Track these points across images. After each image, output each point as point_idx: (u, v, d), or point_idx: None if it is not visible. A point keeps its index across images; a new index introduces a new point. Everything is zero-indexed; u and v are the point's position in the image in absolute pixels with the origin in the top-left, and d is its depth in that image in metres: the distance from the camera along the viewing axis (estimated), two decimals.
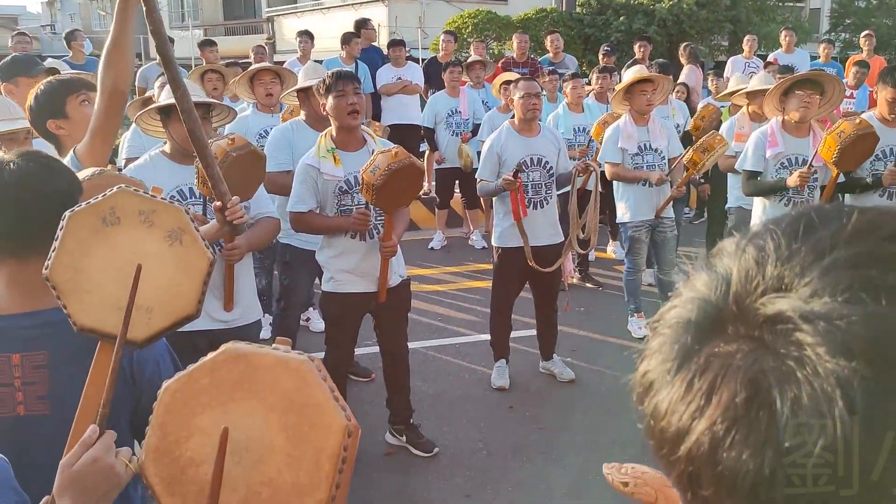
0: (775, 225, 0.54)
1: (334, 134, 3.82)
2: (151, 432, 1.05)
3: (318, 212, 3.79)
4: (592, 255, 7.07)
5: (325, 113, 3.83)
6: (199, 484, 1.01)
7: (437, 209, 8.25)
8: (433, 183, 8.39)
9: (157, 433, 1.04)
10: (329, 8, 22.27)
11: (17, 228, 1.58)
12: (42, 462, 1.33)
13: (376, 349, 4.37)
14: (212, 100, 3.75)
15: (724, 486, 0.49)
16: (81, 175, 1.90)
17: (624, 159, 5.39)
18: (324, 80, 3.81)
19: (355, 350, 4.22)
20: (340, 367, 3.91)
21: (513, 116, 4.85)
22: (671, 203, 5.49)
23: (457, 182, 8.03)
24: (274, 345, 1.11)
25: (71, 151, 2.58)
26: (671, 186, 5.41)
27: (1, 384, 1.54)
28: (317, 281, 4.67)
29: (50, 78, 3.14)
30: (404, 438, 4.12)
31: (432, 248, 7.95)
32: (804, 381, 0.46)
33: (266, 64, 6.23)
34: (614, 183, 5.59)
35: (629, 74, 5.61)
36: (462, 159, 7.60)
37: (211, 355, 1.07)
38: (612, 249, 7.71)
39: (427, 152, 8.28)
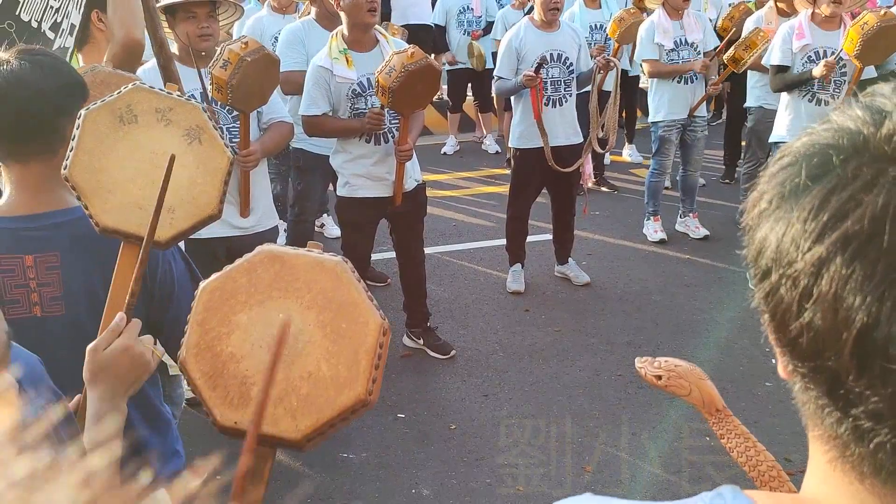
0: None
1: (346, 33, 3.69)
2: (191, 330, 1.05)
3: (330, 115, 3.71)
4: (608, 158, 6.98)
5: (338, 9, 3.69)
6: (240, 378, 1.03)
7: (448, 113, 8.10)
8: (444, 86, 8.20)
9: (197, 330, 1.05)
10: None
11: (14, 129, 1.53)
12: (62, 361, 1.33)
13: (392, 254, 4.37)
14: None
15: (840, 314, 0.46)
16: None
17: (660, 55, 5.22)
18: None
19: (371, 255, 4.22)
20: (357, 271, 3.90)
21: (528, 12, 4.67)
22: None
23: (469, 84, 7.86)
24: (307, 248, 1.10)
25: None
26: (706, 84, 5.27)
27: (16, 285, 1.53)
28: (331, 187, 4.63)
29: None
30: (421, 341, 4.16)
31: (445, 153, 7.85)
32: None
33: None
34: (650, 81, 5.45)
35: None
36: (474, 58, 7.40)
37: (247, 256, 1.07)
38: (628, 153, 7.60)
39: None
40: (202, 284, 1.07)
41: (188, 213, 1.43)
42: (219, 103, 3.25)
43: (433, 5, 7.97)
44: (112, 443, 0.40)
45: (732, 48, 5.15)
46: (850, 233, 0.45)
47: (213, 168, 1.43)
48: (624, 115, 7.25)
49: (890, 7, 5.66)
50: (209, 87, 3.19)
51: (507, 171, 5.86)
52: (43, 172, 1.55)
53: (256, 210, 3.46)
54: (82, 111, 1.40)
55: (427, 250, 4.34)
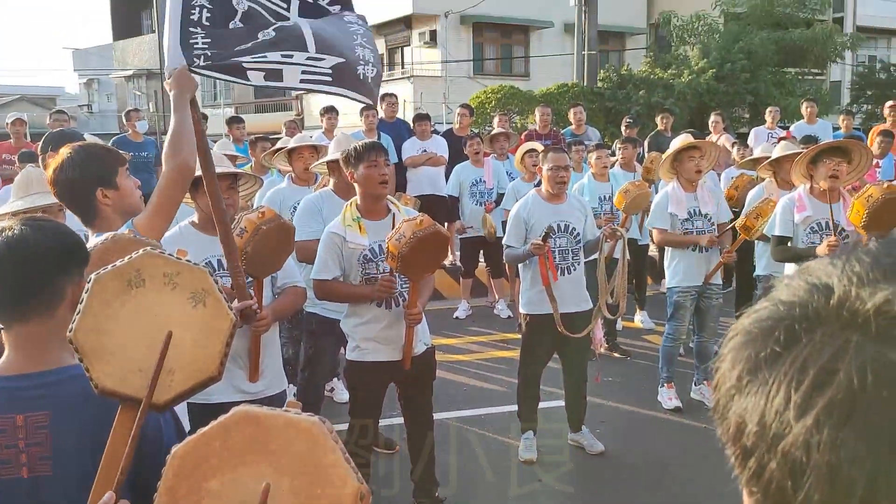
0: (862, 245, 0.54)
1: (360, 202, 3.85)
2: (160, 498, 1.02)
3: (342, 280, 3.79)
4: (620, 324, 6.99)
5: (352, 181, 3.87)
6: None
7: (461, 278, 8.24)
8: (457, 252, 8.40)
9: (166, 498, 1.01)
10: None
11: (14, 289, 1.59)
12: None
13: (401, 420, 4.29)
14: (236, 169, 3.81)
15: (839, 484, 0.45)
16: (96, 240, 1.91)
17: (674, 224, 5.36)
18: (354, 149, 3.85)
19: (380, 421, 4.15)
20: (365, 437, 3.84)
21: (537, 185, 4.86)
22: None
23: (481, 251, 8.05)
24: (285, 407, 1.10)
25: (129, 222, 2.58)
26: (720, 252, 5.37)
27: (6, 445, 1.52)
28: (342, 351, 4.63)
29: (85, 143, 3.03)
30: None
31: (457, 318, 7.90)
32: None
33: (309, 141, 6.12)
34: (666, 249, 5.56)
35: (676, 142, 5.64)
36: (486, 228, 7.63)
37: (222, 417, 1.06)
38: (640, 319, 7.62)
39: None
40: (173, 449, 1.05)
41: (188, 375, 1.44)
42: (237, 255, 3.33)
43: (447, 178, 8.33)
44: None
45: (743, 216, 5.30)
46: (834, 401, 0.45)
47: (216, 330, 1.46)
48: (634, 282, 7.35)
49: (891, 180, 5.87)
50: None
51: (519, 336, 5.86)
52: (41, 332, 1.59)
53: (266, 374, 3.45)
54: (92, 275, 1.46)
55: (436, 416, 4.27)
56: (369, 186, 3.78)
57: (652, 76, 16.36)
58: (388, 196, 3.97)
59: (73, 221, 2.86)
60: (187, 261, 1.51)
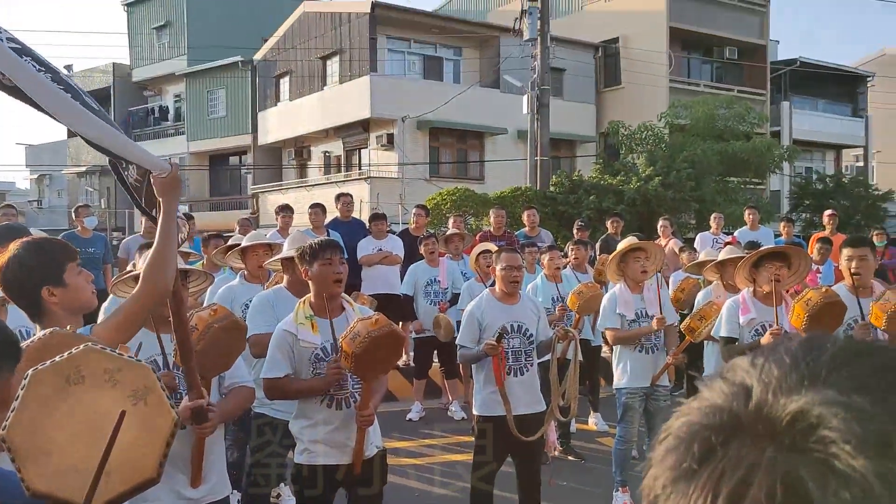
0: (786, 343, 0.55)
1: (313, 300, 3.82)
2: None
3: (292, 377, 3.71)
4: (574, 426, 6.93)
5: (306, 278, 3.85)
6: None
7: (415, 379, 8.13)
8: (411, 353, 8.33)
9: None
10: (313, 186, 23.12)
11: None
12: None
13: None
14: (188, 266, 3.77)
15: None
16: (36, 336, 1.86)
17: (622, 325, 5.42)
18: (310, 246, 3.85)
19: None
20: None
21: (492, 285, 4.90)
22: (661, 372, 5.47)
23: (435, 351, 7.99)
24: None
25: (88, 328, 2.49)
26: (667, 354, 5.42)
27: None
28: (289, 454, 4.48)
29: (34, 238, 2.89)
30: None
31: (410, 420, 7.75)
32: (842, 478, 0.45)
33: (264, 239, 6.08)
34: (614, 349, 5.59)
35: (623, 243, 5.77)
36: (440, 329, 7.60)
37: None
38: (594, 421, 7.57)
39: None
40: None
41: (125, 478, 1.38)
42: (180, 368, 3.25)
43: (402, 277, 8.35)
44: None
45: (688, 318, 5.39)
46: None
47: (157, 430, 1.41)
48: (588, 383, 7.34)
49: (830, 285, 6.05)
50: (170, 353, 3.20)
51: (473, 439, 5.75)
52: None
53: (209, 479, 3.30)
54: (29, 371, 1.41)
55: None
56: (323, 284, 3.76)
57: (602, 182, 16.90)
58: (343, 295, 3.95)
59: (18, 314, 2.77)
60: (129, 357, 1.47)
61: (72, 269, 2.60)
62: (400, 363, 8.73)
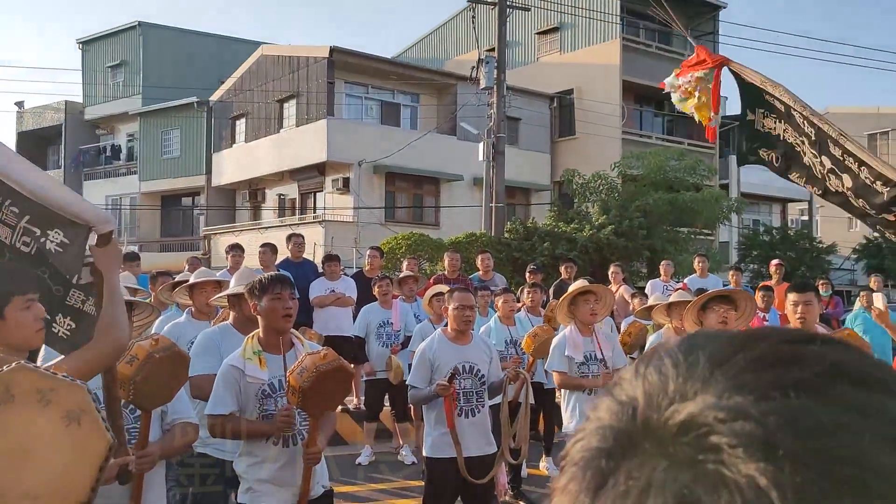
0: (669, 345, 0.53)
1: (262, 336, 3.75)
2: None
3: (238, 415, 3.62)
4: (525, 471, 6.87)
5: (255, 314, 3.78)
6: None
7: (365, 422, 8.00)
8: (362, 396, 8.21)
9: None
10: (266, 228, 22.93)
11: None
12: None
13: None
14: (133, 298, 3.68)
15: None
16: None
17: (570, 367, 5.42)
18: (259, 281, 3.79)
19: None
20: None
21: (445, 326, 4.88)
22: None
23: (386, 394, 7.89)
24: None
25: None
26: None
27: None
28: (232, 496, 4.34)
29: None
30: None
31: (359, 464, 7.60)
32: (732, 487, 0.42)
33: (213, 276, 5.99)
34: (562, 392, 5.58)
35: (573, 286, 5.81)
36: (392, 371, 7.52)
37: None
38: (546, 465, 7.51)
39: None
40: None
41: (54, 502, 1.31)
42: (121, 401, 3.14)
43: (354, 319, 8.27)
44: None
45: (635, 362, 5.44)
46: None
47: (90, 452, 1.35)
48: (541, 427, 7.31)
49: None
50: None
51: (423, 483, 5.66)
52: None
53: None
54: None
55: None
56: (272, 320, 3.70)
57: (556, 229, 17.12)
58: (293, 330, 3.89)
59: None
60: (63, 376, 1.41)
61: (17, 303, 2.43)
62: (350, 406, 8.60)
